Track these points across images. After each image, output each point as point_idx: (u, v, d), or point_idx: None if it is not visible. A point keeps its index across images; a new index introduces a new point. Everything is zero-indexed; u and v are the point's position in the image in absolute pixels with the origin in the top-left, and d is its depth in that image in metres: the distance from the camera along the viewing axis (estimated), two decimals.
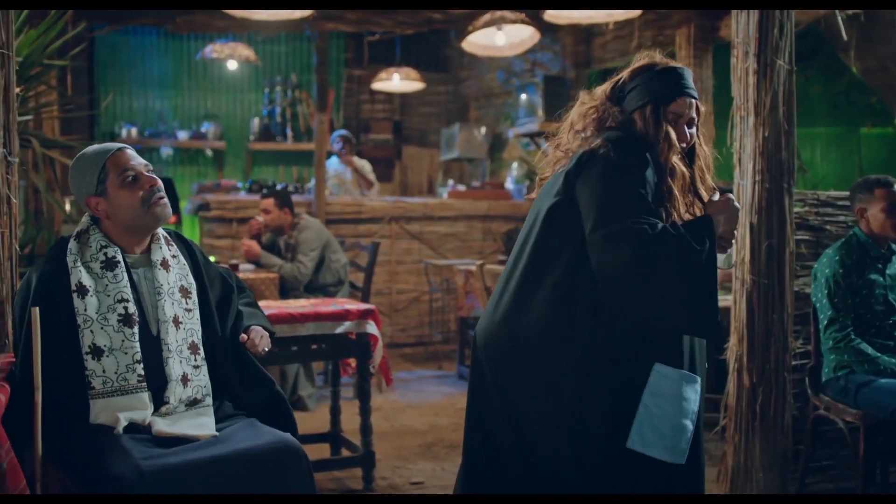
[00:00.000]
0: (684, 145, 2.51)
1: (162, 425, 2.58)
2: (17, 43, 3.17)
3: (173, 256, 2.78)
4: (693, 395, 2.41)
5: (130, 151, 2.71)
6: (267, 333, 2.94)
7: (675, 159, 2.45)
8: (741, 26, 3.59)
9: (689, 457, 2.39)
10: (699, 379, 2.44)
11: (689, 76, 2.56)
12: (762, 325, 3.57)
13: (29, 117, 4.70)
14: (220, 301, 2.93)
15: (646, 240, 2.28)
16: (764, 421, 3.57)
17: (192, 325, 2.74)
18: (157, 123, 9.70)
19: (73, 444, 2.51)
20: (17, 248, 3.08)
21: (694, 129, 2.55)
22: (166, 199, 2.70)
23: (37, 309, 2.47)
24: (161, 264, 2.72)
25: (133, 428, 2.56)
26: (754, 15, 3.51)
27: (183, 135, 9.65)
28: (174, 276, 2.74)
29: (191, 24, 7.05)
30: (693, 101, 2.53)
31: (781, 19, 3.50)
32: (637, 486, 2.39)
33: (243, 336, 2.86)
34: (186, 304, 2.74)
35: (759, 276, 3.55)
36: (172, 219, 5.97)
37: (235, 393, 2.84)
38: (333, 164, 8.81)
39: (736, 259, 3.65)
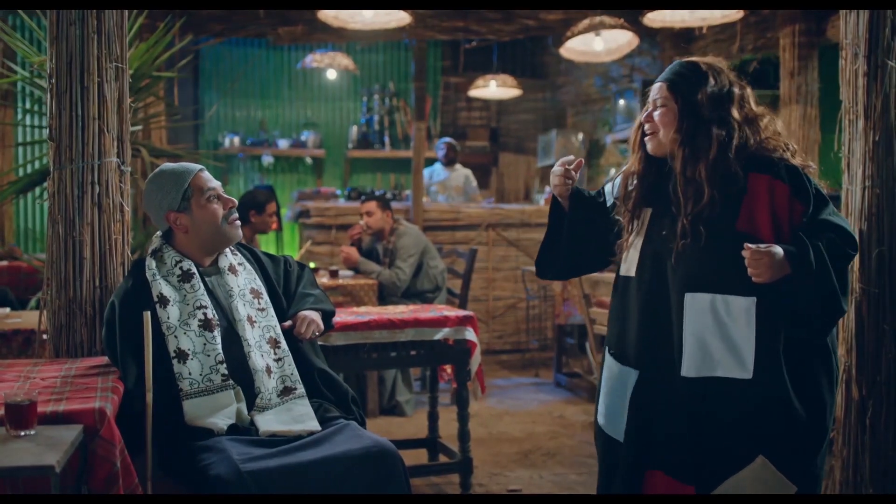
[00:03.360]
0: (647, 128, 2.66)
1: (267, 424, 2.67)
2: (129, 56, 3.29)
3: (239, 263, 2.95)
4: (615, 381, 2.67)
5: (208, 173, 2.91)
6: (314, 316, 2.99)
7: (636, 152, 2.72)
8: (850, 27, 3.48)
9: (631, 437, 2.60)
10: (627, 369, 2.64)
11: (670, 66, 2.73)
12: (872, 336, 3.44)
13: (139, 127, 4.87)
14: (289, 297, 3.07)
15: None
16: (875, 435, 3.45)
17: (268, 323, 2.87)
18: (259, 132, 9.91)
19: (175, 445, 2.61)
20: (129, 253, 3.21)
21: (656, 112, 2.64)
22: (239, 222, 2.91)
23: (148, 313, 2.59)
24: (229, 269, 2.89)
25: (233, 428, 2.65)
26: (864, 14, 3.40)
27: (283, 143, 9.84)
28: (243, 279, 2.91)
29: (292, 36, 7.19)
30: (656, 85, 2.70)
31: (894, 19, 3.38)
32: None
33: (287, 324, 2.95)
34: (259, 304, 2.89)
35: (869, 284, 3.42)
36: (274, 226, 6.10)
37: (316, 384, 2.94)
38: (437, 170, 8.88)
39: None
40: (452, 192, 8.74)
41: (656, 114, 2.61)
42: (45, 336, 3.27)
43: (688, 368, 2.51)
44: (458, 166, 8.95)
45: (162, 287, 2.74)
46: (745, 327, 2.47)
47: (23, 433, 2.11)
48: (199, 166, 2.90)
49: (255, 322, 2.83)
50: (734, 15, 5.74)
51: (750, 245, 2.41)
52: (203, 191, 2.84)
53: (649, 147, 2.65)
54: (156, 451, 2.59)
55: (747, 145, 2.54)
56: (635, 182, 2.70)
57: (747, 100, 2.62)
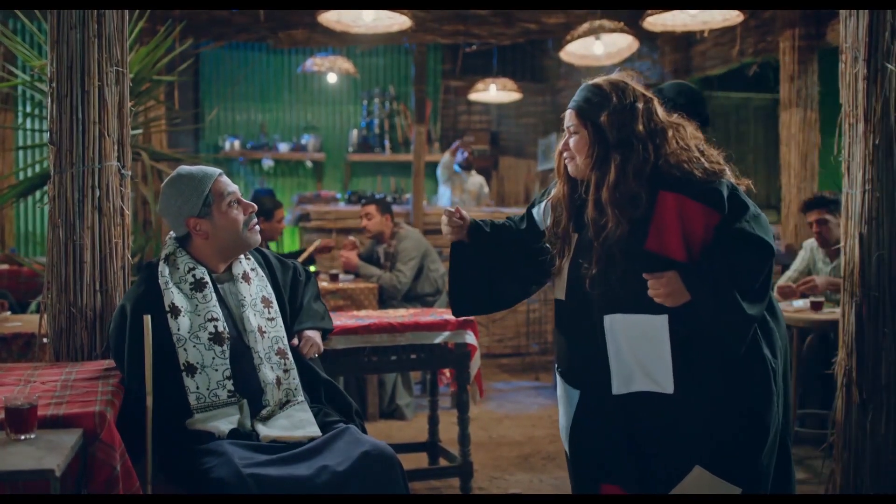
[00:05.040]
0: (566, 155, 2.68)
1: (268, 429, 2.67)
2: (129, 60, 3.29)
3: (252, 269, 2.93)
4: (564, 400, 2.75)
5: (226, 177, 2.89)
6: (317, 337, 3.02)
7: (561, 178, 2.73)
8: (850, 30, 3.48)
9: (576, 453, 2.76)
10: (571, 389, 2.70)
11: (578, 90, 2.74)
12: (872, 339, 3.44)
13: (139, 131, 4.87)
14: (295, 306, 3.07)
15: None
16: (875, 439, 3.45)
17: (276, 333, 2.86)
18: (259, 136, 9.91)
19: (176, 449, 2.61)
20: (129, 257, 3.21)
21: (571, 139, 2.66)
22: (258, 227, 2.89)
23: (148, 317, 2.58)
24: (242, 277, 2.86)
25: (234, 432, 2.65)
26: (864, 17, 3.40)
27: (283, 147, 9.84)
28: (255, 287, 2.88)
29: (292, 40, 7.19)
30: (567, 112, 2.73)
31: (893, 22, 3.38)
32: None
33: (294, 341, 2.96)
34: (269, 313, 2.87)
35: (870, 288, 3.43)
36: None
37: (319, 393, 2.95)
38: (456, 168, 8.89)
39: (845, 271, 3.54)
40: (469, 196, 8.73)
41: (571, 141, 2.66)
42: (45, 340, 3.27)
43: (617, 387, 2.57)
44: (473, 172, 8.96)
45: (174, 296, 2.71)
46: (661, 345, 2.51)
47: (23, 437, 2.11)
48: (217, 170, 2.87)
49: (265, 332, 2.82)
50: (735, 19, 5.75)
51: (646, 274, 2.46)
52: (223, 196, 2.81)
53: (570, 170, 2.68)
54: (157, 455, 2.58)
55: (649, 161, 2.52)
56: (562, 208, 2.73)
57: (654, 112, 2.61)
